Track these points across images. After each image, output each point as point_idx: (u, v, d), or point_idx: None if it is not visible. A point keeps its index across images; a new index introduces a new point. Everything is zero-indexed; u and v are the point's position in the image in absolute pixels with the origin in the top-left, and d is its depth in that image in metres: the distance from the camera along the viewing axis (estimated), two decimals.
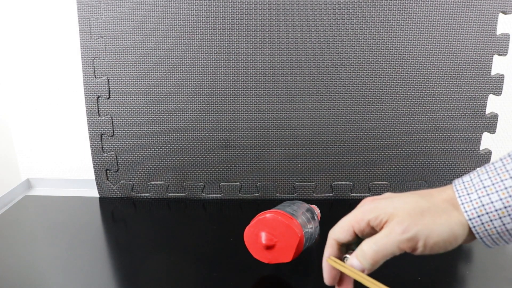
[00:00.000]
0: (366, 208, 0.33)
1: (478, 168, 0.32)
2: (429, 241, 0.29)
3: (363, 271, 0.32)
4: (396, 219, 0.30)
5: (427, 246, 0.30)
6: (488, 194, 0.29)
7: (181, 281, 0.49)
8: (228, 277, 0.50)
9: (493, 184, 0.29)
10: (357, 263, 0.32)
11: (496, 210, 0.29)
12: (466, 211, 0.30)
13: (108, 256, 0.55)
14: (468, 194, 0.30)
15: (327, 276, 0.35)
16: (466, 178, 0.32)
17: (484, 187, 0.30)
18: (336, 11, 0.62)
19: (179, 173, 0.71)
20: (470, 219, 0.30)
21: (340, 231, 0.34)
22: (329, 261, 0.34)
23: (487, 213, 0.29)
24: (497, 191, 0.29)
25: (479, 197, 0.30)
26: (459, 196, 0.31)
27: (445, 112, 0.67)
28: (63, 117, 0.78)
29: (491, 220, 0.29)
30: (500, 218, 0.29)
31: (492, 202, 0.29)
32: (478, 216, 0.29)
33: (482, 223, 0.29)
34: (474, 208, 0.29)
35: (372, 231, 0.33)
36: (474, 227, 0.30)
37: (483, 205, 0.29)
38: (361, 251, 0.31)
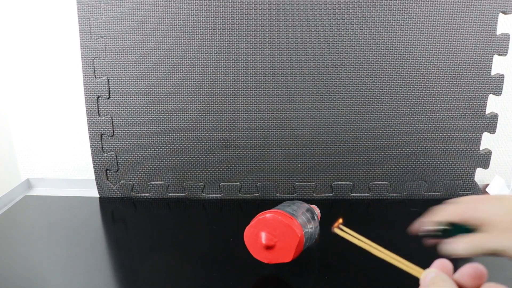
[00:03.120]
0: (466, 207, 0.33)
1: None
2: None
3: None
4: (491, 228, 0.31)
5: None
6: None
7: (181, 281, 0.49)
8: (228, 277, 0.50)
9: None
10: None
11: None
12: None
13: (108, 256, 0.55)
14: None
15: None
16: None
17: None
18: (336, 11, 0.62)
19: (179, 173, 0.71)
20: None
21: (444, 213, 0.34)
22: (336, 230, 0.34)
23: None
24: None
25: None
26: None
27: (445, 112, 0.67)
28: (63, 117, 0.78)
29: None
30: None
31: None
32: None
33: None
34: None
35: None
36: None
37: None
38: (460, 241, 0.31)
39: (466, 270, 0.29)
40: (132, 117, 0.68)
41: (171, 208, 0.70)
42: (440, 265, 0.31)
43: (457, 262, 0.31)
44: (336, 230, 0.34)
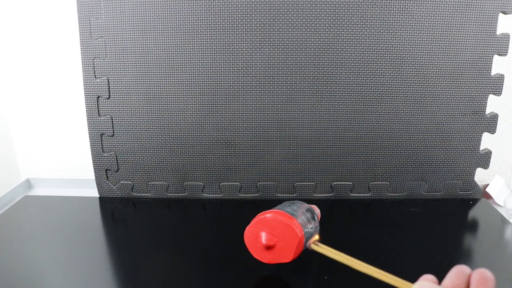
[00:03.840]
0: None
1: None
2: None
3: None
4: None
5: None
6: None
7: (181, 281, 0.49)
8: (228, 277, 0.50)
9: None
10: None
11: None
12: None
13: (108, 256, 0.56)
14: None
15: None
16: None
17: None
18: (336, 11, 0.62)
19: (179, 173, 0.71)
20: None
21: None
22: (313, 246, 0.33)
23: None
24: None
25: None
26: None
27: (445, 112, 0.67)
28: (63, 117, 0.78)
29: None
30: None
31: None
32: None
33: None
34: None
35: None
36: None
37: None
38: None
39: (454, 273, 0.29)
40: (132, 117, 0.68)
41: (171, 208, 0.70)
42: (426, 280, 0.30)
43: (441, 277, 0.30)
44: (313, 246, 0.33)
